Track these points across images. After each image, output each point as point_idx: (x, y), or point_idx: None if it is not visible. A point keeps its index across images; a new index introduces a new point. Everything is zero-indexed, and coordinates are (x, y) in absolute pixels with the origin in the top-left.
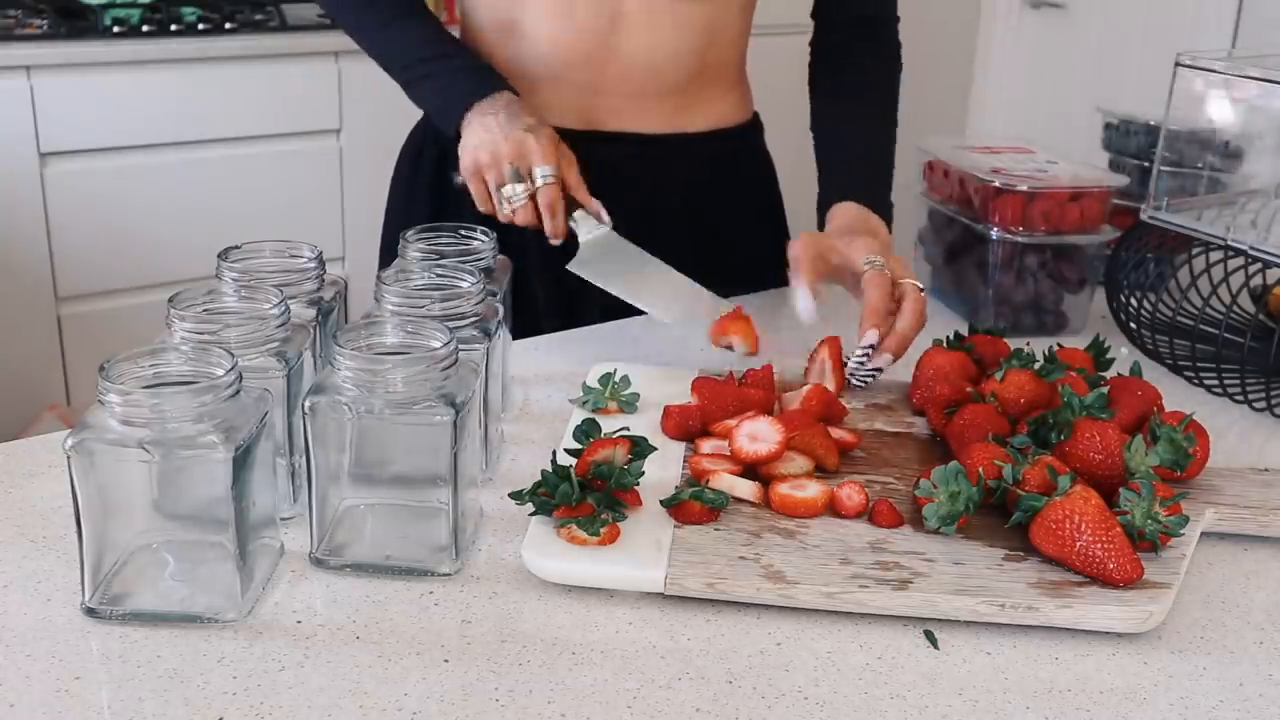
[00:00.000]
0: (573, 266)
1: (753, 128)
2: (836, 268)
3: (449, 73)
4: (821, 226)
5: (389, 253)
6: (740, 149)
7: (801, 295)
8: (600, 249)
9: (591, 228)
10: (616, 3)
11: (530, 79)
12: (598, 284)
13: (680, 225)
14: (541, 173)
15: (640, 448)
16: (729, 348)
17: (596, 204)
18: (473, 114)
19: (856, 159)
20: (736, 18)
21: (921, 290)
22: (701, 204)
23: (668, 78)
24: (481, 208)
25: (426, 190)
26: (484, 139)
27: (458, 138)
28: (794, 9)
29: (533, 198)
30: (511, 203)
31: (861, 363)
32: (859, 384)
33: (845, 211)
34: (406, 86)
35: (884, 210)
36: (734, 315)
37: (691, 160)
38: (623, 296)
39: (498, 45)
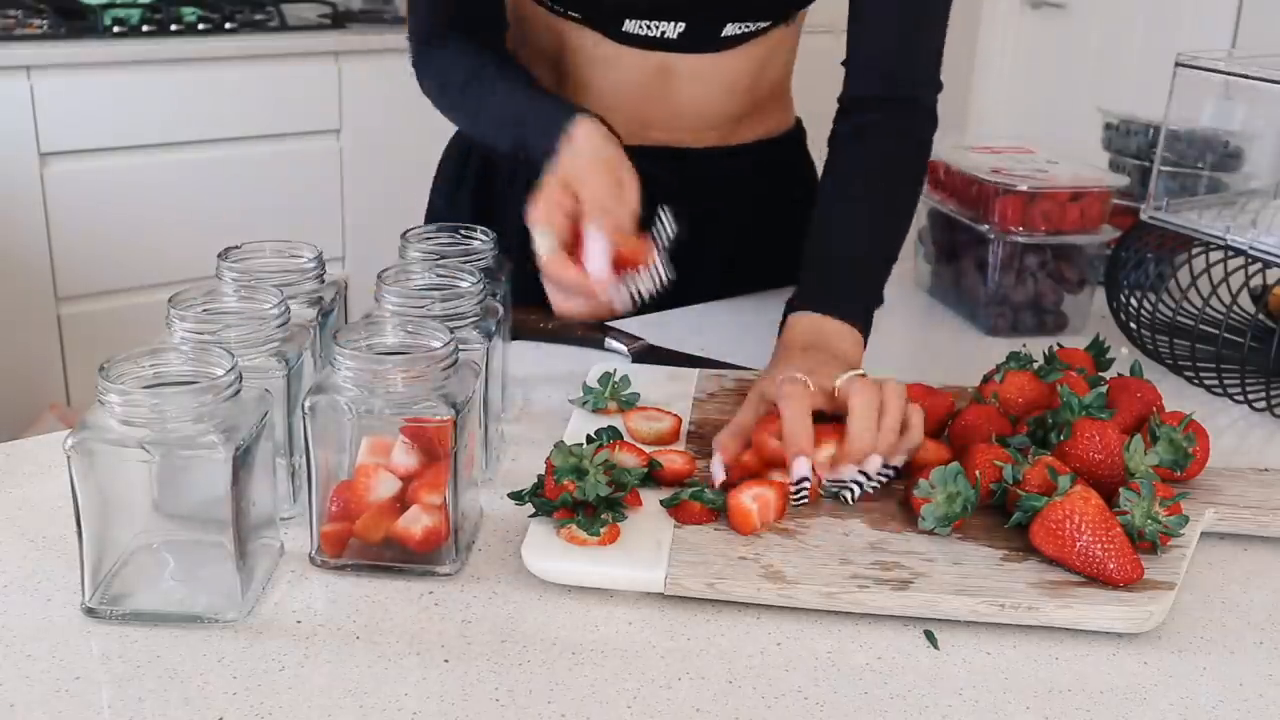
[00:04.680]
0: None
1: (796, 134)
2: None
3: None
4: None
5: None
6: (783, 156)
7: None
8: None
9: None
10: (663, 60)
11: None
12: None
13: (722, 233)
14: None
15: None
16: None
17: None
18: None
19: (838, 258)
20: (785, 51)
21: (900, 385)
22: (744, 208)
23: (716, 115)
24: None
25: (470, 195)
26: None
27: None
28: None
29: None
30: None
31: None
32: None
33: (799, 325)
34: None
35: (857, 320)
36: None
37: (735, 168)
38: None
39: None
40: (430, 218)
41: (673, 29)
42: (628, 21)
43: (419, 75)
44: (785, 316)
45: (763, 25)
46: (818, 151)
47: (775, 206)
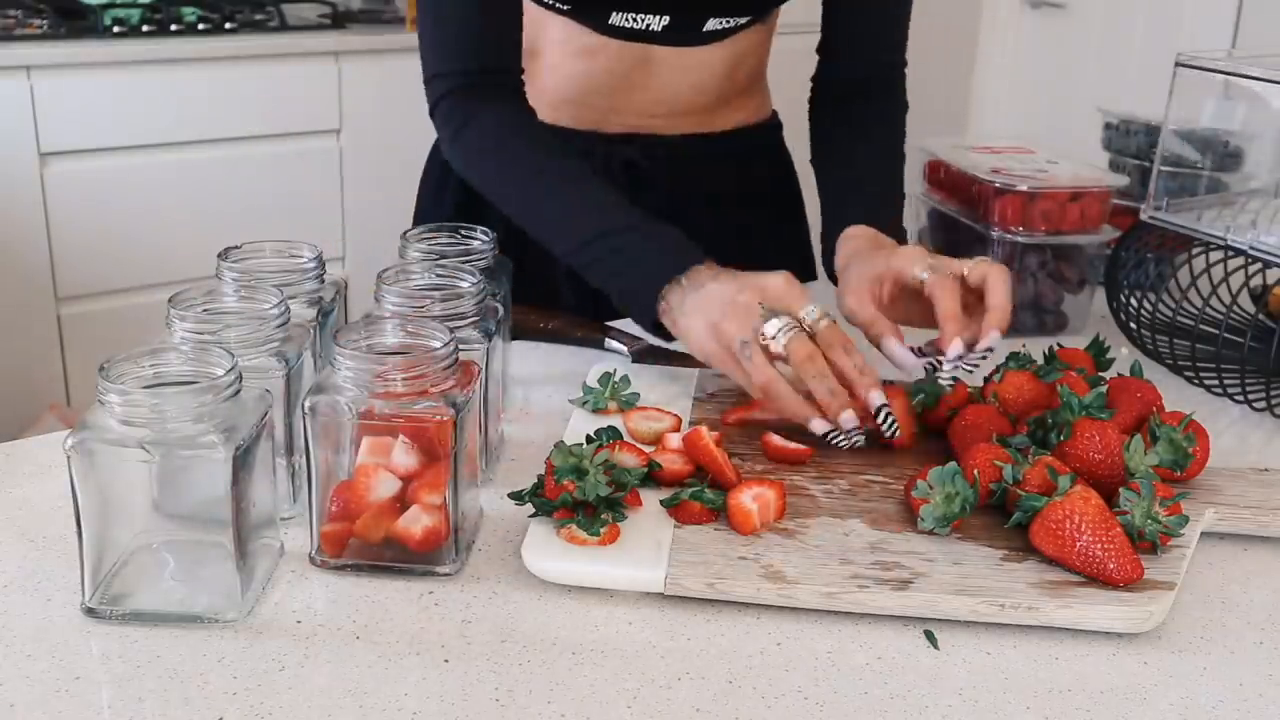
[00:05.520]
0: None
1: (772, 125)
2: (891, 294)
3: (631, 249)
4: (829, 254)
5: None
6: (761, 146)
7: (895, 348)
8: None
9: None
10: (644, 50)
11: (550, 102)
12: None
13: (702, 221)
14: (809, 311)
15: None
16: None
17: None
18: (675, 294)
19: (869, 190)
20: (761, 44)
21: (993, 262)
22: (723, 200)
23: (693, 102)
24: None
25: (453, 193)
26: (712, 306)
27: (656, 328)
28: (806, 9)
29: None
30: (777, 338)
31: (957, 366)
32: (952, 380)
33: (861, 234)
34: (583, 270)
35: (898, 237)
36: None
37: (713, 158)
38: None
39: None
40: (418, 217)
41: (657, 22)
42: (614, 14)
43: (448, 131)
44: (837, 232)
45: (742, 21)
46: (794, 143)
47: (757, 192)
